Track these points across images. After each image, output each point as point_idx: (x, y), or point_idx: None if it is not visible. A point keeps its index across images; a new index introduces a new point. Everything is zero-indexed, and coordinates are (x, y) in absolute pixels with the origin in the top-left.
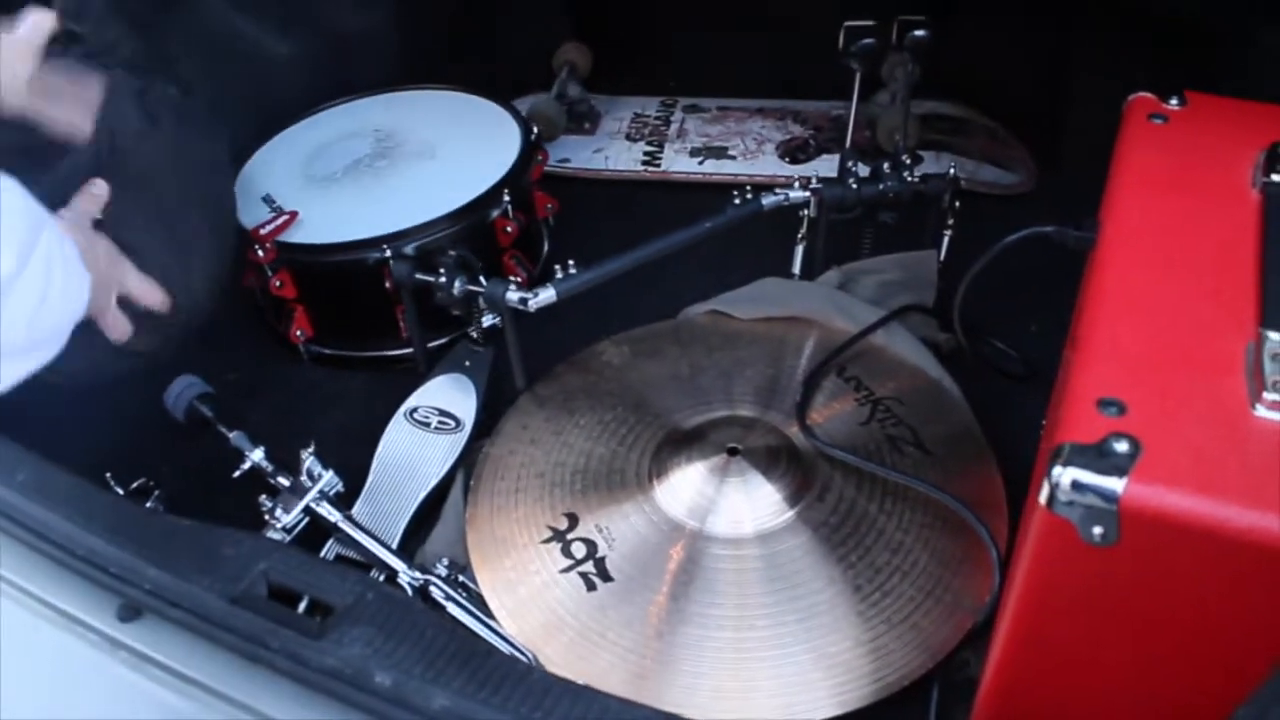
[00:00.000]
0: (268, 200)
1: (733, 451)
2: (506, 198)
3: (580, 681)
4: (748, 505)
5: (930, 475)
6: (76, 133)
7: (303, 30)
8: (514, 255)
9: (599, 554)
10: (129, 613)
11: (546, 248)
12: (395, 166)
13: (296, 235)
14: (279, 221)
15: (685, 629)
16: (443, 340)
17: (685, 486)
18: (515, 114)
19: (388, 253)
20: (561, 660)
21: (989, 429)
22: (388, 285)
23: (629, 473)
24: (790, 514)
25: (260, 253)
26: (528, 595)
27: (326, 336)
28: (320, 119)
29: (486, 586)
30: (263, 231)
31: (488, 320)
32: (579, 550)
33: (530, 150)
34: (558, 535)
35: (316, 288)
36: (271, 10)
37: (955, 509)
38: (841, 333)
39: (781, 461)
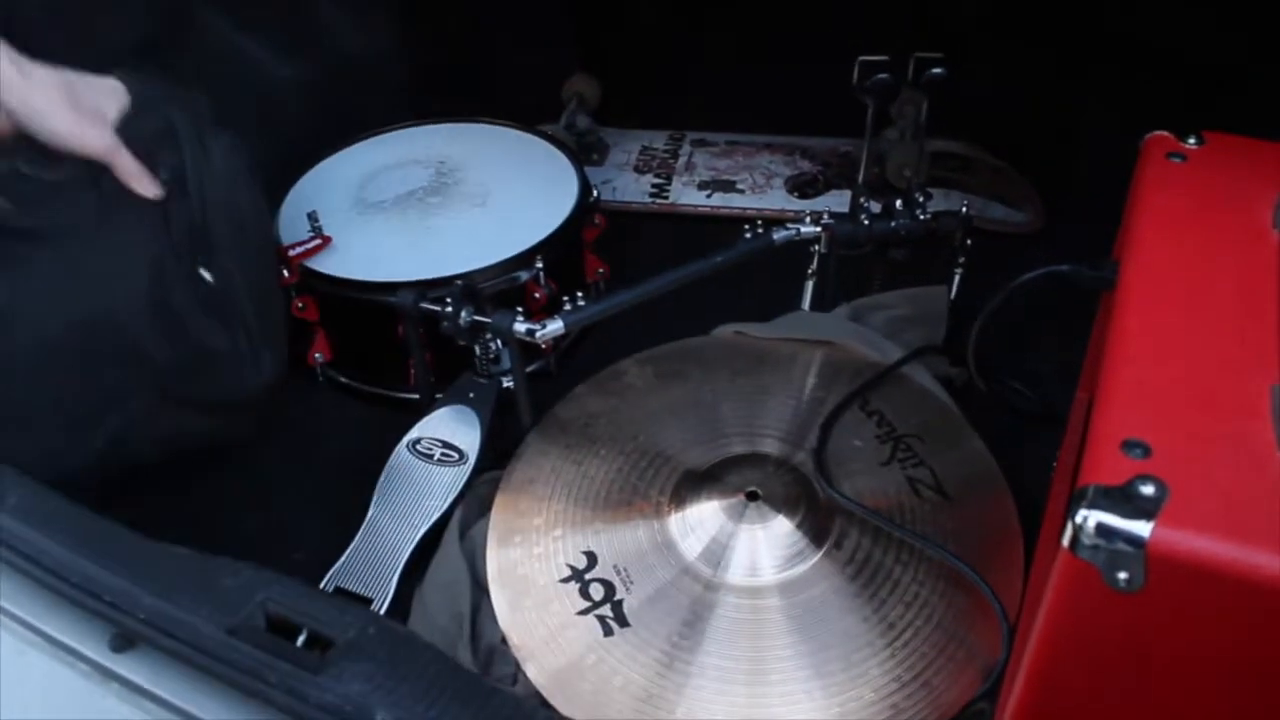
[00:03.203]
0: (311, 218)
1: (751, 496)
2: (539, 264)
3: None
4: (765, 552)
5: (948, 522)
6: (87, 146)
7: (308, 55)
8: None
9: (617, 597)
10: (122, 642)
11: None
12: (445, 206)
13: (327, 261)
14: (308, 246)
15: (701, 680)
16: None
17: (703, 530)
18: (580, 171)
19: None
20: (577, 707)
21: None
22: (401, 331)
23: (648, 510)
24: (807, 564)
25: (285, 273)
26: (546, 636)
27: (344, 364)
28: (389, 139)
29: (506, 625)
30: (291, 253)
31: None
32: (597, 592)
33: (582, 214)
34: (576, 575)
35: (339, 316)
36: (278, 34)
37: (968, 576)
38: (864, 360)
39: (800, 507)
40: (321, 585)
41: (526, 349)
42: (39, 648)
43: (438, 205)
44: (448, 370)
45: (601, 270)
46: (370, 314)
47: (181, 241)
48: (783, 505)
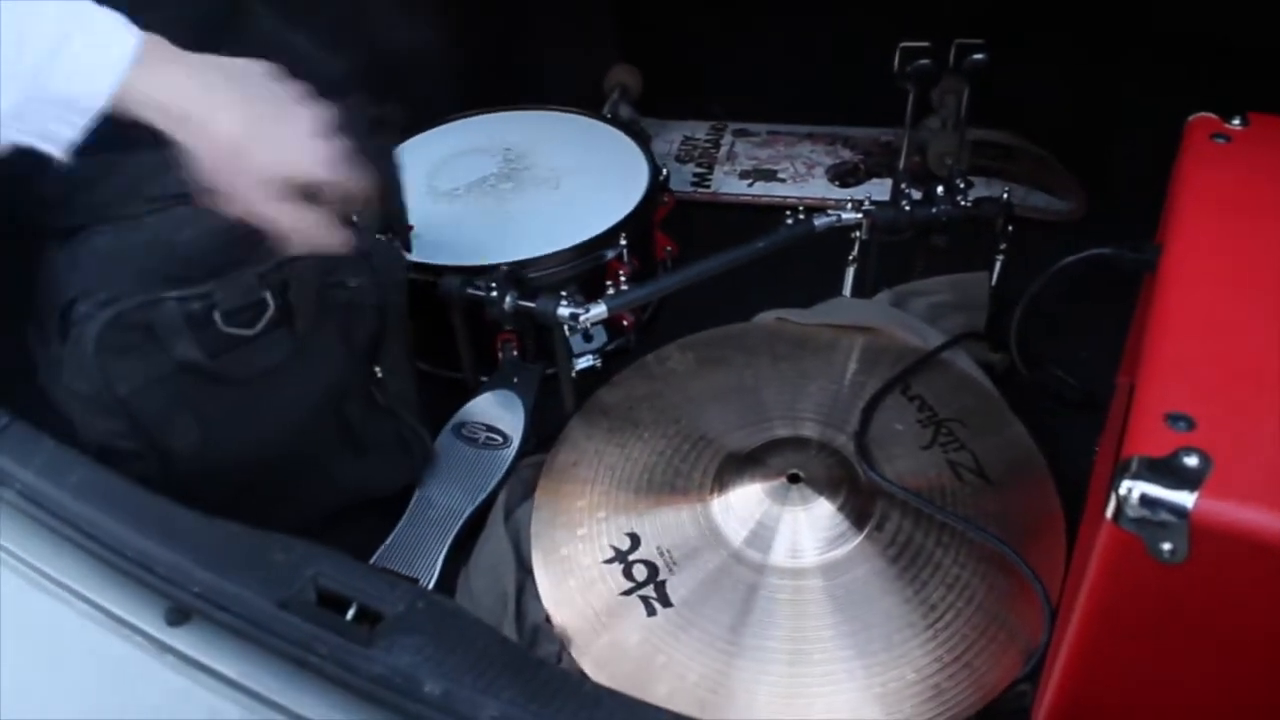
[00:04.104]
0: None
1: (794, 478)
2: (624, 241)
3: None
4: (809, 534)
5: (990, 505)
6: (326, 246)
7: (354, 49)
8: None
9: (660, 577)
10: (177, 616)
11: None
12: (520, 191)
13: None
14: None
15: (742, 661)
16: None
17: (746, 512)
18: (646, 151)
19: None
20: (620, 686)
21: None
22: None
23: (691, 493)
24: (849, 545)
25: None
26: (591, 617)
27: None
28: (449, 129)
29: (550, 605)
30: None
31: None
32: (640, 573)
33: (656, 192)
34: (620, 556)
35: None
36: (324, 29)
37: (1010, 558)
38: (905, 345)
39: (842, 490)
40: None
41: (611, 324)
42: (97, 622)
43: (512, 191)
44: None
45: (670, 248)
46: (424, 298)
47: (361, 354)
48: (825, 488)
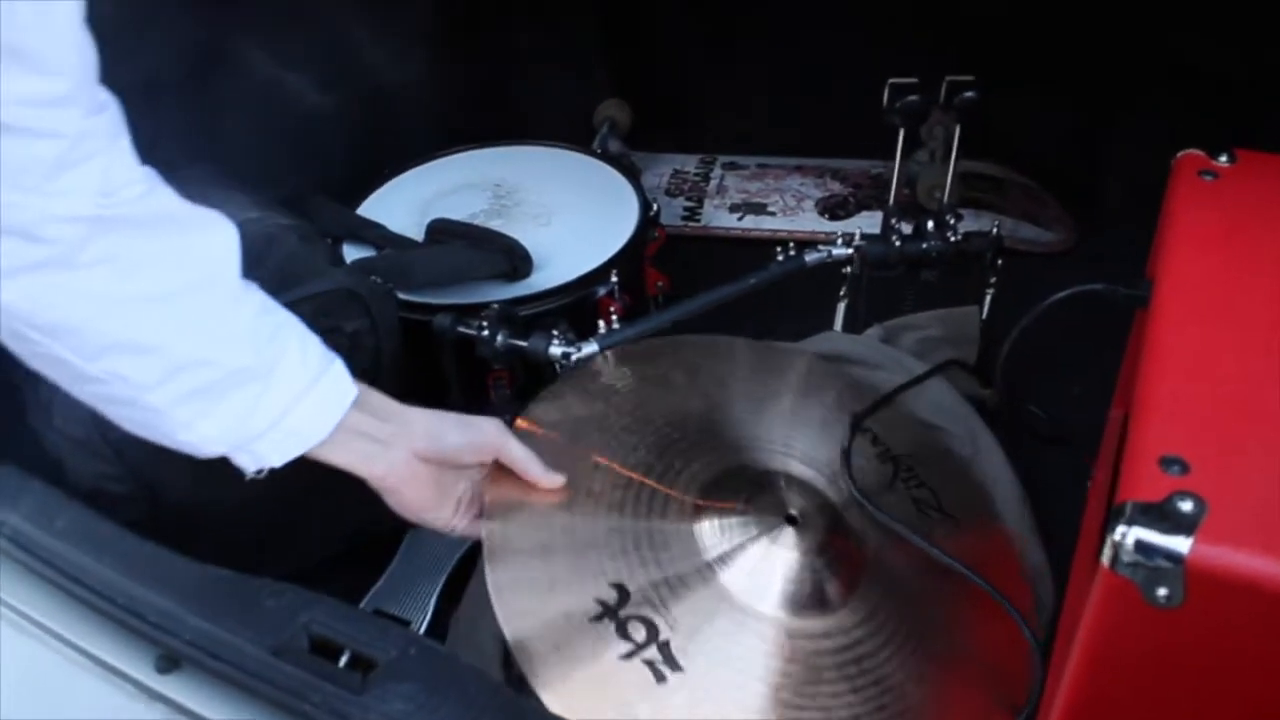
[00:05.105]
0: None
1: (791, 520)
2: (615, 277)
3: None
4: (809, 579)
5: (954, 547)
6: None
7: (344, 84)
8: None
9: (661, 637)
10: (167, 664)
11: None
12: (510, 227)
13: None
14: None
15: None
16: None
17: (749, 564)
18: (637, 186)
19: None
20: None
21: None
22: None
23: (671, 534)
24: (850, 599)
25: None
26: (589, 688)
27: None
28: (439, 165)
29: (540, 684)
30: None
31: None
32: (638, 632)
33: (647, 227)
34: (609, 611)
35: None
36: (314, 64)
37: (1008, 610)
38: (869, 377)
39: (840, 530)
40: (361, 606)
41: None
42: (86, 669)
43: (502, 227)
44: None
45: (661, 283)
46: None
47: None
48: (823, 532)
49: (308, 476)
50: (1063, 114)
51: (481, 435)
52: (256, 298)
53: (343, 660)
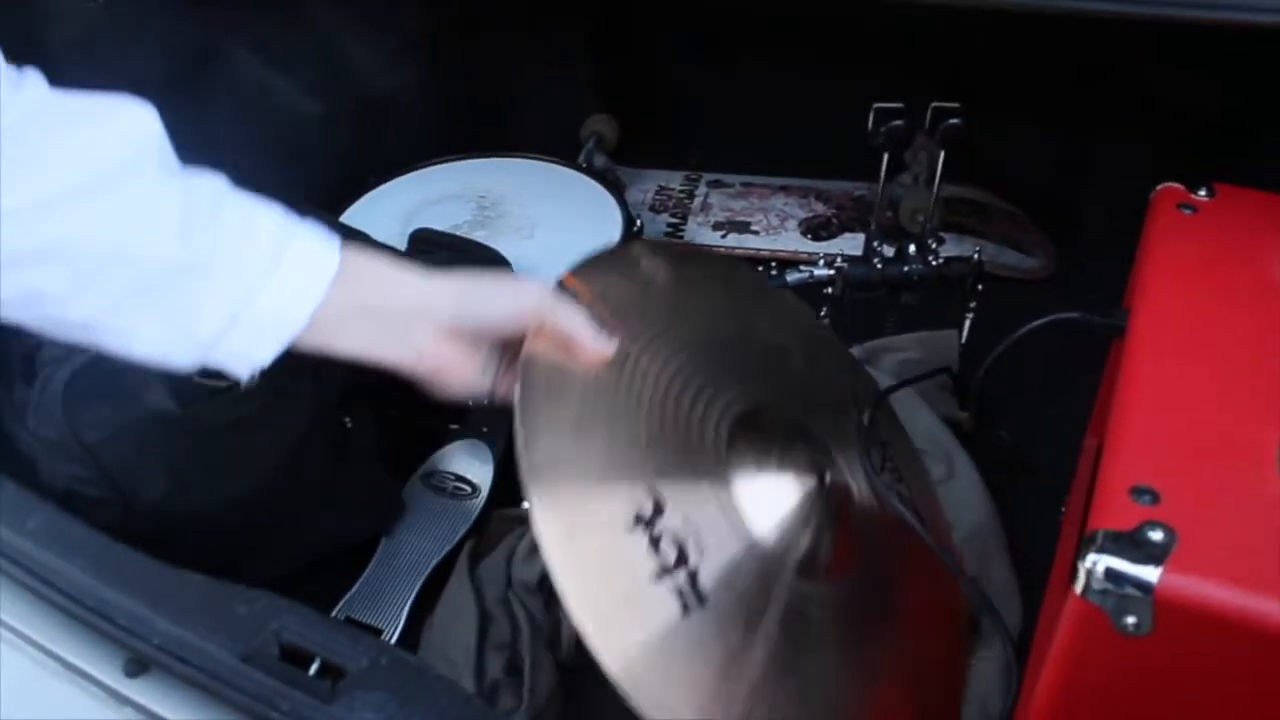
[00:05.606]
0: None
1: (822, 483)
2: None
3: None
4: (822, 547)
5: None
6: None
7: (331, 92)
8: None
9: (691, 564)
10: (136, 668)
11: None
12: (493, 239)
13: None
14: None
15: (790, 680)
16: None
17: (777, 504)
18: (621, 201)
19: None
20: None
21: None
22: None
23: (705, 457)
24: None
25: None
26: (612, 602)
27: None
28: (425, 174)
29: (564, 576)
30: None
31: None
32: (669, 551)
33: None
34: (644, 523)
35: None
36: (301, 72)
37: (993, 618)
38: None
39: (849, 507)
40: (333, 614)
41: None
42: (53, 671)
43: (485, 239)
44: None
45: None
46: None
47: (332, 406)
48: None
49: (281, 485)
50: (1046, 142)
51: (522, 300)
52: (191, 184)
53: (313, 668)
